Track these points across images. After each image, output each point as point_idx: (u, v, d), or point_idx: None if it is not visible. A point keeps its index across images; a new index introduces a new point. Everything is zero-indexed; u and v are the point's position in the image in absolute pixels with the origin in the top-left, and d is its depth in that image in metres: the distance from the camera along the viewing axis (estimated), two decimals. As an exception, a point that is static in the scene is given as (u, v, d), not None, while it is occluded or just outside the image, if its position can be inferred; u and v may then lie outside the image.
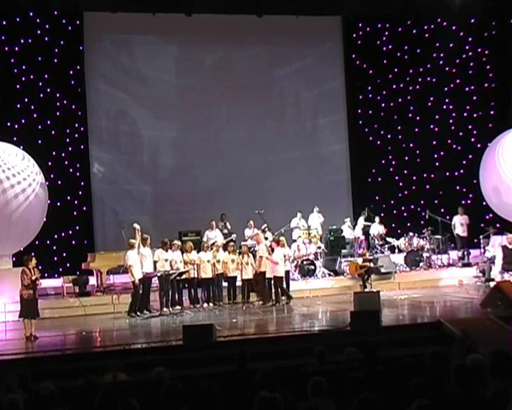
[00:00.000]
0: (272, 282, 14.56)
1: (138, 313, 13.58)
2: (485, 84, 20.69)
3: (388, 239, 18.00)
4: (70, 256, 17.62)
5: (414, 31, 20.45)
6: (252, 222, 16.68)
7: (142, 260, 13.78)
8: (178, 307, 14.02)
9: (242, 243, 16.09)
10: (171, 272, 13.81)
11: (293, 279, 15.97)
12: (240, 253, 15.10)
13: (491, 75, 20.71)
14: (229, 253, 14.88)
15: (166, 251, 14.02)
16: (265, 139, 19.79)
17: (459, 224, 17.87)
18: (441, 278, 16.62)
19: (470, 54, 20.59)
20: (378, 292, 12.44)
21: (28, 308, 11.66)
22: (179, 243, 14.72)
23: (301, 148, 20.06)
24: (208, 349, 9.88)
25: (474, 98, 20.60)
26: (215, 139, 19.58)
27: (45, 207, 15.57)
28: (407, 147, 20.41)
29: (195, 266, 14.49)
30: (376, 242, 17.89)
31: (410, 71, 20.38)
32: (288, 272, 15.22)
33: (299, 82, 20.12)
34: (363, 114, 20.42)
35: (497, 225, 17.90)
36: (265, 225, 16.41)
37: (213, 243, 15.41)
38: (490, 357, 5.33)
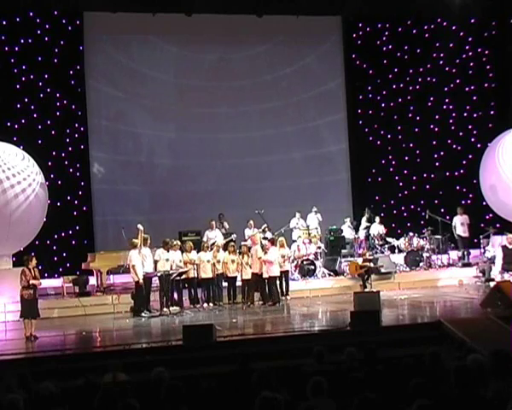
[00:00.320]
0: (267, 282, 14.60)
1: (145, 313, 13.57)
2: (485, 84, 20.69)
3: (388, 239, 17.99)
4: (70, 256, 17.62)
5: (414, 31, 20.45)
6: (252, 222, 16.67)
7: (142, 260, 13.78)
8: (176, 308, 14.02)
9: (242, 243, 16.09)
10: (171, 271, 13.82)
11: (293, 279, 16.00)
12: (240, 253, 15.10)
13: (491, 75, 20.71)
14: (230, 253, 14.88)
15: (168, 251, 14.02)
16: (265, 139, 19.79)
17: (459, 224, 17.85)
18: (441, 278, 16.62)
19: (470, 54, 20.59)
20: (378, 292, 12.45)
21: (28, 308, 11.66)
22: (179, 242, 14.74)
23: (301, 148, 20.07)
24: (208, 349, 9.89)
25: (474, 98, 20.60)
26: (215, 139, 19.58)
27: (45, 207, 15.57)
28: (407, 147, 20.41)
29: (195, 266, 14.50)
30: (376, 242, 17.88)
31: (410, 71, 20.38)
32: (287, 272, 15.25)
33: (299, 82, 20.11)
34: (363, 114, 20.42)
35: (497, 225, 17.90)
36: (265, 225, 16.42)
37: (213, 243, 15.41)
38: (490, 357, 5.34)
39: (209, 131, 19.50)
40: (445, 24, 20.31)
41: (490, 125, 20.09)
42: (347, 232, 17.96)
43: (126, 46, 19.16)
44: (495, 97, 20.69)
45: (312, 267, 16.24)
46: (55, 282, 16.36)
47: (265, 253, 14.59)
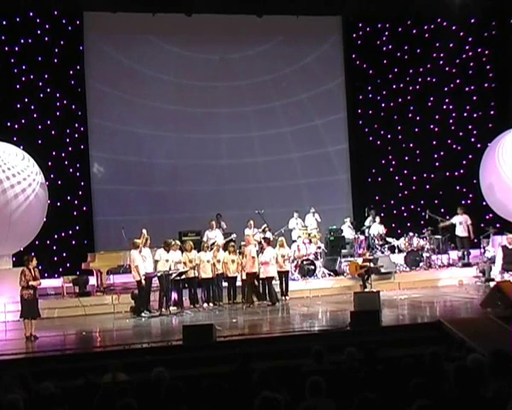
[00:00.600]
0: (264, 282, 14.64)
1: (146, 312, 13.58)
2: (485, 84, 20.69)
3: (388, 239, 18.00)
4: (70, 256, 17.62)
5: (414, 31, 20.45)
6: (252, 222, 16.69)
7: (142, 261, 13.80)
8: (174, 308, 14.03)
9: (242, 243, 16.08)
10: (171, 271, 13.82)
11: (293, 279, 16.00)
12: (240, 253, 15.10)
13: (491, 75, 20.70)
14: (230, 253, 14.88)
15: (168, 252, 14.03)
16: (265, 139, 19.80)
17: (458, 223, 17.81)
18: (441, 278, 16.62)
19: (470, 54, 20.58)
20: (378, 292, 12.43)
21: (28, 308, 11.67)
22: (178, 243, 14.75)
23: (301, 148, 20.07)
24: (208, 349, 9.89)
25: (474, 98, 20.60)
26: (215, 139, 19.58)
27: (45, 207, 15.57)
28: (407, 147, 20.41)
29: (196, 265, 14.50)
30: (376, 242, 17.88)
31: (410, 71, 20.38)
32: (287, 273, 15.25)
33: (299, 82, 20.10)
34: (363, 114, 20.42)
35: (497, 225, 17.89)
36: (265, 225, 16.44)
37: (213, 243, 15.41)
38: (490, 357, 5.34)
39: (209, 131, 19.50)
40: (445, 24, 20.31)
41: (490, 125, 20.08)
42: (347, 232, 17.96)
43: (126, 46, 19.15)
44: (495, 97, 20.69)
45: (312, 267, 16.25)
46: (55, 282, 16.37)
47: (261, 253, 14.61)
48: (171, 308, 13.96)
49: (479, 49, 20.57)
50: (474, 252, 17.77)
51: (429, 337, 10.01)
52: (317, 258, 16.66)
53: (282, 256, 15.00)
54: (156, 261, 13.92)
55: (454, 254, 17.98)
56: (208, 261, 14.60)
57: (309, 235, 16.98)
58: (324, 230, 17.82)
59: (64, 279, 15.93)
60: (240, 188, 19.39)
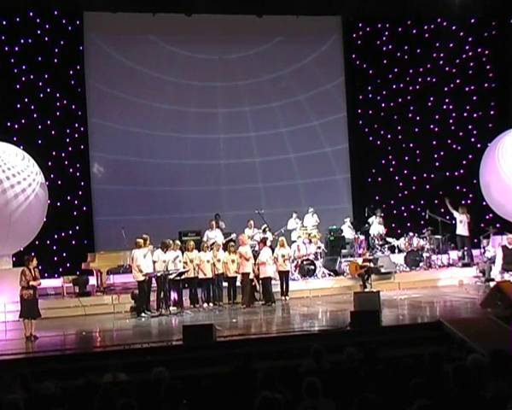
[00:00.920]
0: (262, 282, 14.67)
1: (147, 312, 13.57)
2: (485, 84, 20.68)
3: (388, 239, 18.00)
4: (70, 256, 17.62)
5: (414, 31, 20.45)
6: (252, 222, 16.71)
7: (142, 261, 13.83)
8: (174, 308, 14.03)
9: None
10: (171, 271, 13.82)
11: (293, 279, 16.00)
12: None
13: (491, 75, 20.70)
14: (230, 253, 14.87)
15: (165, 252, 14.01)
16: (265, 139, 19.81)
17: (458, 221, 17.76)
18: (441, 278, 16.62)
19: (470, 54, 20.58)
20: (378, 292, 12.44)
21: (28, 308, 11.67)
22: (178, 243, 14.74)
23: (301, 148, 20.06)
24: (208, 349, 9.89)
25: (474, 98, 20.59)
26: (215, 139, 19.59)
27: (45, 207, 15.56)
28: (407, 147, 20.40)
29: (195, 266, 14.50)
30: (376, 242, 17.88)
31: (410, 71, 20.38)
32: (287, 273, 15.26)
33: (299, 82, 20.09)
34: (363, 114, 20.41)
35: (497, 225, 17.89)
36: (265, 225, 16.44)
37: (213, 243, 15.40)
38: (489, 357, 5.34)
39: (209, 130, 19.51)
40: (445, 24, 20.31)
41: (490, 125, 20.08)
42: (347, 232, 17.96)
43: (126, 46, 19.15)
44: (495, 97, 20.69)
45: (312, 267, 16.25)
46: (55, 282, 16.37)
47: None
48: (171, 308, 13.97)
49: (479, 49, 20.57)
50: (474, 252, 17.76)
51: (429, 337, 10.02)
52: (317, 258, 16.66)
53: (283, 256, 15.01)
54: (154, 262, 13.90)
55: (454, 254, 17.97)
56: (208, 261, 14.60)
57: (309, 235, 16.98)
58: (324, 230, 17.81)
59: (64, 279, 15.93)
60: (240, 188, 19.39)
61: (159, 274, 13.73)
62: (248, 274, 14.52)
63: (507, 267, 15.33)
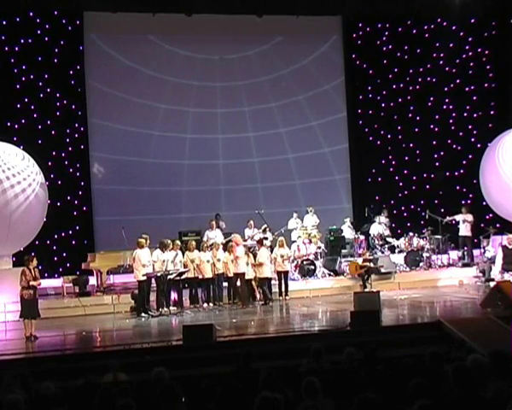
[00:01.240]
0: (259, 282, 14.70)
1: (149, 313, 13.57)
2: (485, 84, 20.68)
3: (388, 239, 18.00)
4: (70, 256, 17.62)
5: (414, 31, 20.44)
6: (252, 222, 16.72)
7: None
8: (174, 308, 14.03)
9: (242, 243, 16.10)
10: (171, 271, 13.82)
11: (293, 279, 16.01)
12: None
13: (491, 75, 20.70)
14: (230, 253, 14.87)
15: (164, 252, 14.01)
16: (265, 139, 19.81)
17: (461, 222, 17.74)
18: (441, 278, 16.62)
19: (470, 54, 20.58)
20: (378, 292, 12.44)
21: (28, 308, 11.67)
22: (178, 242, 14.74)
23: (301, 148, 20.06)
24: (208, 349, 9.89)
25: (474, 98, 20.59)
26: (215, 139, 19.59)
27: (45, 207, 15.56)
28: (407, 147, 20.40)
29: (195, 265, 14.49)
30: (376, 242, 17.88)
31: (410, 71, 20.37)
32: (286, 273, 15.26)
33: (299, 82, 20.09)
34: (363, 114, 20.41)
35: (497, 225, 17.89)
36: (265, 225, 16.45)
37: (212, 244, 15.36)
38: (489, 357, 5.34)
39: (209, 131, 19.51)
40: (445, 24, 20.30)
41: (490, 125, 20.07)
42: (347, 232, 17.95)
43: (126, 46, 19.14)
44: (495, 97, 20.68)
45: (312, 267, 16.25)
46: (55, 282, 16.38)
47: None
48: (171, 308, 13.97)
49: (479, 49, 20.56)
50: (475, 252, 17.76)
51: (429, 337, 10.02)
52: (317, 258, 16.67)
53: (282, 256, 15.03)
54: (153, 262, 13.89)
55: (454, 254, 17.98)
56: (208, 261, 14.60)
57: (309, 235, 16.98)
58: (324, 230, 17.81)
59: (64, 279, 15.94)
60: (240, 188, 19.39)
61: (159, 274, 13.72)
62: (243, 274, 14.50)
63: (507, 267, 15.33)
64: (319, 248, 16.95)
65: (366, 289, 14.90)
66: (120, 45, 19.11)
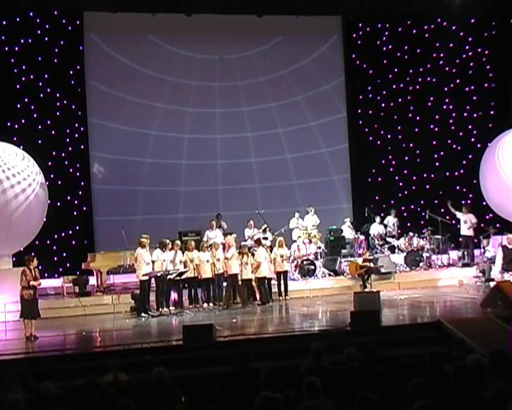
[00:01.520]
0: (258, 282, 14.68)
1: (149, 313, 13.57)
2: (485, 84, 20.67)
3: (388, 239, 18.00)
4: (70, 256, 17.62)
5: (414, 31, 20.44)
6: (252, 222, 16.73)
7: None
8: (173, 308, 14.02)
9: (242, 243, 16.10)
10: (171, 271, 13.81)
11: (293, 279, 16.01)
12: (240, 253, 15.08)
13: (491, 75, 20.70)
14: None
15: (164, 252, 14.01)
16: (265, 139, 19.81)
17: (463, 222, 17.73)
18: (441, 278, 16.62)
19: (470, 54, 20.57)
20: (378, 292, 12.44)
21: (28, 308, 11.67)
22: (178, 242, 14.74)
23: (301, 148, 20.06)
24: (208, 349, 9.89)
25: (474, 98, 20.59)
26: (215, 139, 19.58)
27: (45, 207, 15.56)
28: (407, 147, 20.40)
29: (195, 265, 14.49)
30: (376, 242, 17.88)
31: (410, 71, 20.37)
32: (286, 273, 15.26)
33: (298, 82, 20.09)
34: (363, 114, 20.41)
35: (497, 225, 17.88)
36: (265, 225, 16.45)
37: (211, 244, 15.34)
38: (489, 357, 5.33)
39: (209, 130, 19.51)
40: (445, 24, 20.30)
41: (490, 125, 20.07)
42: (347, 232, 17.95)
43: (126, 46, 19.15)
44: (495, 97, 20.68)
45: (312, 267, 16.25)
46: (55, 282, 16.38)
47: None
48: (171, 308, 13.97)
49: (479, 49, 20.56)
50: (475, 252, 17.75)
51: (429, 337, 10.02)
52: (317, 258, 16.67)
53: (281, 256, 15.04)
54: (153, 262, 13.88)
55: (454, 254, 17.97)
56: (208, 261, 14.59)
57: (309, 235, 16.98)
58: (324, 230, 17.81)
59: (64, 279, 15.94)
60: (240, 188, 19.40)
61: (159, 274, 13.72)
62: (236, 275, 14.48)
63: (507, 267, 15.33)
64: (319, 248, 16.95)
65: (366, 289, 14.90)
66: (120, 45, 19.11)
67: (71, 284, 15.82)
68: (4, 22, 17.70)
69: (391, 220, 18.43)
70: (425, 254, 17.27)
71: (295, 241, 16.89)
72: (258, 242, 15.15)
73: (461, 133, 20.50)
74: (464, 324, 10.49)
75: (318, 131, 20.36)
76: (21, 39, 17.70)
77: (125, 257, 15.49)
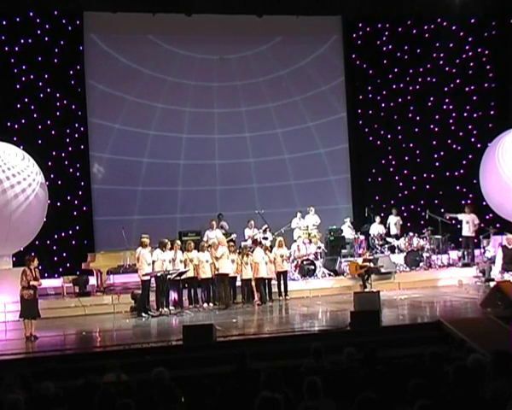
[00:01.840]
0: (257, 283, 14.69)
1: (149, 313, 13.58)
2: (485, 84, 20.67)
3: (388, 239, 18.00)
4: (70, 256, 17.62)
5: (414, 31, 20.44)
6: (252, 222, 16.72)
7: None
8: (173, 308, 14.02)
9: (242, 243, 16.11)
10: (171, 271, 13.81)
11: (293, 279, 16.01)
12: (239, 253, 15.09)
13: (491, 75, 20.69)
14: (229, 253, 14.84)
15: (164, 251, 14.00)
16: (265, 139, 19.81)
17: (465, 222, 17.66)
18: (441, 278, 16.61)
19: (470, 54, 20.57)
20: (378, 292, 12.44)
21: (28, 309, 11.67)
22: (178, 242, 14.74)
23: (301, 148, 20.06)
24: (208, 349, 9.89)
25: (474, 98, 20.59)
26: (215, 139, 19.58)
27: (45, 207, 15.56)
28: (407, 147, 20.40)
29: (195, 266, 14.48)
30: (376, 242, 17.88)
31: (410, 71, 20.37)
32: (286, 273, 15.26)
33: (298, 82, 20.09)
34: (363, 114, 20.41)
35: (497, 225, 17.88)
36: (266, 225, 16.45)
37: (211, 244, 15.33)
38: (492, 356, 5.33)
39: (209, 130, 19.50)
40: (445, 24, 20.30)
41: (490, 125, 20.07)
42: (347, 232, 17.96)
43: (126, 46, 19.15)
44: (495, 97, 20.68)
45: (312, 267, 16.25)
46: (55, 282, 16.37)
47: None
48: (171, 308, 13.97)
49: (479, 49, 20.56)
50: (475, 252, 17.75)
51: (429, 337, 10.02)
52: (317, 258, 16.67)
53: (281, 256, 15.04)
54: (153, 262, 13.88)
55: (454, 254, 17.97)
56: (207, 261, 14.58)
57: (309, 235, 16.99)
58: (324, 230, 17.82)
59: (64, 279, 15.93)
60: (240, 188, 19.40)
61: (159, 274, 13.72)
62: (226, 275, 14.45)
63: (507, 267, 15.33)
64: (319, 248, 16.96)
65: (366, 289, 14.90)
66: (120, 45, 19.11)
67: (71, 284, 15.81)
68: (4, 22, 17.70)
69: (393, 219, 18.43)
70: (425, 254, 17.27)
71: (296, 241, 16.88)
72: (254, 242, 15.17)
73: (461, 133, 20.50)
74: (464, 324, 10.49)
75: (318, 132, 20.35)
76: (21, 39, 17.70)
77: (124, 257, 15.48)
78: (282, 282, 15.20)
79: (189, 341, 9.96)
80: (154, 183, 19.11)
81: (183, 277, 14.20)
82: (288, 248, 16.10)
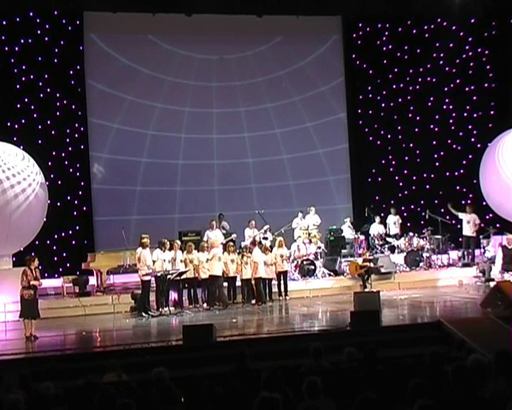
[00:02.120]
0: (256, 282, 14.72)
1: (149, 313, 13.57)
2: (485, 84, 20.67)
3: (388, 239, 18.00)
4: (70, 256, 17.62)
5: (414, 31, 20.44)
6: (253, 222, 16.70)
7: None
8: (172, 308, 14.02)
9: (242, 243, 16.11)
10: (171, 271, 13.81)
11: (293, 279, 16.01)
12: (239, 253, 15.09)
13: (491, 75, 20.69)
14: (229, 253, 14.86)
15: (164, 251, 14.00)
16: (265, 139, 19.80)
17: (465, 222, 17.63)
18: (441, 278, 16.61)
19: (470, 54, 20.57)
20: (378, 292, 12.44)
21: (28, 309, 11.67)
22: (178, 242, 14.73)
23: (301, 148, 20.05)
24: (208, 349, 9.89)
25: (474, 98, 20.58)
26: (215, 139, 19.57)
27: (45, 207, 15.56)
28: (407, 147, 20.40)
29: (195, 266, 14.48)
30: (376, 242, 17.88)
31: (410, 71, 20.37)
32: (285, 273, 15.26)
33: (299, 82, 20.08)
34: (363, 114, 20.41)
35: (497, 225, 17.88)
36: (267, 226, 16.45)
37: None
38: (495, 356, 5.33)
39: (209, 130, 19.50)
40: (445, 24, 20.30)
41: (490, 125, 20.07)
42: (347, 232, 17.95)
43: (126, 46, 19.14)
44: (495, 97, 20.68)
45: (312, 267, 16.25)
46: (55, 282, 16.37)
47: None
48: (171, 308, 13.96)
49: (479, 49, 20.56)
50: (475, 252, 17.74)
51: (429, 337, 10.03)
52: (317, 258, 16.66)
53: (281, 256, 15.05)
54: (153, 262, 13.88)
55: (454, 254, 17.97)
56: (207, 261, 14.57)
57: (309, 235, 16.99)
58: (324, 230, 17.82)
59: (64, 279, 15.93)
60: (239, 188, 19.39)
61: (159, 274, 13.72)
62: (217, 277, 14.39)
63: (507, 267, 15.33)
64: (319, 248, 16.95)
65: (366, 289, 14.90)
66: (120, 45, 19.11)
67: (71, 284, 15.82)
68: (4, 22, 17.69)
69: (392, 219, 18.43)
70: (425, 254, 17.27)
71: (296, 241, 16.88)
72: (253, 242, 15.17)
73: (461, 133, 20.50)
74: (464, 324, 10.50)
75: (318, 132, 20.35)
76: (21, 39, 17.70)
77: (124, 257, 15.48)
78: (282, 282, 15.22)
79: (188, 341, 9.97)
80: (152, 183, 19.10)
81: (183, 277, 14.19)
82: (288, 248, 16.10)
